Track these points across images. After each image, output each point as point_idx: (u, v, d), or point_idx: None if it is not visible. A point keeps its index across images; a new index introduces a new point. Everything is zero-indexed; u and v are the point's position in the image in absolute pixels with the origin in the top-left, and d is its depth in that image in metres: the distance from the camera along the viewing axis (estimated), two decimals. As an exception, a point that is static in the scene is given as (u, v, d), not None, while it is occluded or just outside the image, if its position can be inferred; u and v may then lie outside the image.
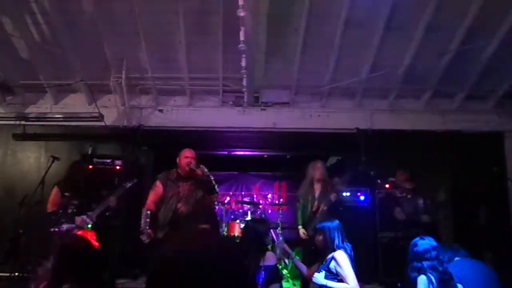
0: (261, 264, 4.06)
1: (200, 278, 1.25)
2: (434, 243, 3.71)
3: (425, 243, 3.70)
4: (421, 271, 3.57)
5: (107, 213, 5.22)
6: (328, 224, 4.35)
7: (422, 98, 7.28)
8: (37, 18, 5.97)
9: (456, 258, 3.98)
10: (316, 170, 5.91)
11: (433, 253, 3.62)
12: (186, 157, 5.08)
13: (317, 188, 5.89)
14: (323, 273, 4.19)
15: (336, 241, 4.19)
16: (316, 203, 5.80)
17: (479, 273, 3.87)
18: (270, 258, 4.25)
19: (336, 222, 4.32)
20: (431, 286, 3.49)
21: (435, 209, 5.74)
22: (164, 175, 5.14)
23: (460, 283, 3.67)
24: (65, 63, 6.52)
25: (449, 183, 6.70)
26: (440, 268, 3.56)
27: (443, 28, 5.99)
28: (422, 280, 3.54)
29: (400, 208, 5.93)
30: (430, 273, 3.52)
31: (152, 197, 5.01)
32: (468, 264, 3.92)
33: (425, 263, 3.59)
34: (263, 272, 4.03)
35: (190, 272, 1.27)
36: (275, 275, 4.16)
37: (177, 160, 5.18)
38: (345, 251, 4.13)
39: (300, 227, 5.87)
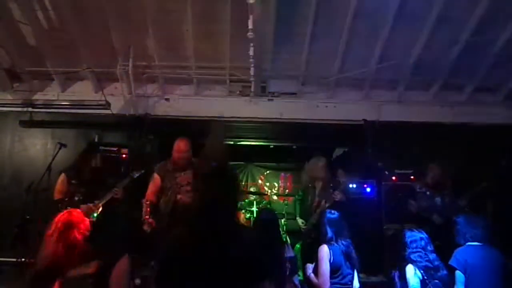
0: (285, 255, 4.06)
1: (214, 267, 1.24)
2: (422, 234, 3.92)
3: (413, 234, 3.92)
4: (409, 260, 3.80)
5: (114, 204, 5.24)
6: (324, 217, 4.30)
7: (431, 90, 7.21)
8: (45, 4, 5.96)
9: (468, 243, 3.99)
10: (315, 171, 5.87)
11: (421, 243, 3.84)
12: (178, 151, 5.05)
13: (318, 184, 5.87)
14: (313, 264, 4.19)
15: (329, 235, 4.11)
16: (316, 199, 5.79)
17: (488, 260, 3.88)
18: (289, 250, 4.26)
19: (335, 215, 4.24)
20: (418, 273, 3.71)
21: (453, 209, 5.63)
22: (160, 166, 5.13)
23: (466, 269, 3.79)
24: (72, 50, 6.51)
25: (457, 176, 6.63)
26: (427, 258, 3.77)
27: (453, 19, 5.90)
28: (409, 268, 3.77)
29: (415, 202, 5.87)
30: (417, 262, 3.75)
31: (151, 189, 5.02)
32: (477, 250, 3.93)
33: (413, 254, 3.81)
34: (288, 264, 4.03)
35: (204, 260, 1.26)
36: (296, 266, 4.15)
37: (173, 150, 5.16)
38: (333, 246, 4.01)
39: (298, 217, 5.91)
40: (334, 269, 3.92)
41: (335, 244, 4.02)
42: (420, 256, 3.77)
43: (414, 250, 3.81)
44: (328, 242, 4.05)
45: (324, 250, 3.96)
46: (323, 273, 3.87)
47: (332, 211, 4.33)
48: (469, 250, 3.96)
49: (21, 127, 7.11)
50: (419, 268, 3.72)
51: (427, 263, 3.74)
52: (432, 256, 3.80)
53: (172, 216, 4.83)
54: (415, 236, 3.88)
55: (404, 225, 5.86)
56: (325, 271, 3.87)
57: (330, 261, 3.91)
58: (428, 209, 5.74)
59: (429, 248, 3.83)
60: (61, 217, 3.03)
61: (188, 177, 5.04)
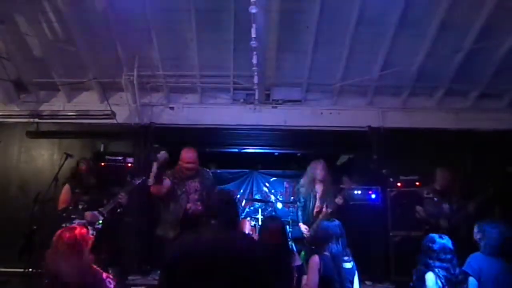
0: (293, 264, 3.98)
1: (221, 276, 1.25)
2: (450, 244, 3.68)
3: (442, 242, 3.68)
4: (431, 267, 3.58)
5: (118, 210, 5.24)
6: (320, 225, 4.17)
7: (435, 96, 7.21)
8: (50, 16, 6.03)
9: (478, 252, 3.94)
10: (318, 170, 5.82)
11: (448, 255, 3.61)
12: (186, 163, 5.08)
13: (319, 188, 5.81)
14: None
15: (323, 245, 3.90)
16: (318, 203, 5.75)
17: (502, 270, 3.80)
18: (297, 258, 4.18)
19: (333, 223, 4.03)
20: (438, 284, 3.51)
21: (460, 216, 5.59)
22: (170, 174, 5.14)
23: (480, 277, 3.67)
24: (78, 61, 6.58)
25: (463, 182, 6.60)
26: (452, 271, 3.56)
27: (457, 25, 5.90)
28: (429, 276, 3.56)
29: (422, 208, 5.84)
30: (440, 272, 3.54)
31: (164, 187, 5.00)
32: (492, 258, 3.85)
33: (438, 262, 3.59)
34: (296, 274, 3.95)
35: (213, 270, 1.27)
36: (303, 274, 4.05)
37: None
38: (325, 257, 3.80)
39: (301, 223, 5.85)
40: (326, 281, 3.70)
41: (327, 254, 3.82)
42: (446, 269, 3.55)
43: (443, 261, 3.58)
44: (320, 252, 3.87)
45: (314, 261, 3.79)
46: (309, 284, 3.71)
47: (331, 219, 4.22)
48: (484, 257, 3.85)
49: (28, 138, 7.17)
50: (441, 278, 3.52)
51: (454, 278, 3.53)
52: (459, 269, 3.62)
53: (182, 225, 4.84)
54: (444, 246, 3.64)
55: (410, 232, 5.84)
56: (311, 282, 3.70)
57: (320, 272, 3.71)
58: (435, 215, 5.70)
59: (455, 261, 3.62)
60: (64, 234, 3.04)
61: (195, 185, 5.07)
